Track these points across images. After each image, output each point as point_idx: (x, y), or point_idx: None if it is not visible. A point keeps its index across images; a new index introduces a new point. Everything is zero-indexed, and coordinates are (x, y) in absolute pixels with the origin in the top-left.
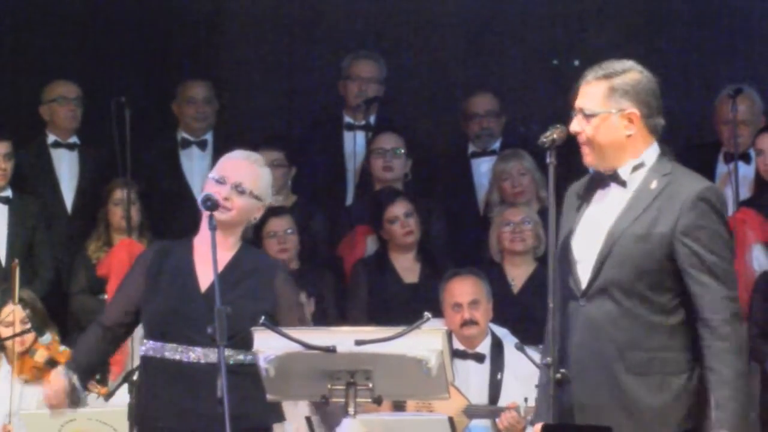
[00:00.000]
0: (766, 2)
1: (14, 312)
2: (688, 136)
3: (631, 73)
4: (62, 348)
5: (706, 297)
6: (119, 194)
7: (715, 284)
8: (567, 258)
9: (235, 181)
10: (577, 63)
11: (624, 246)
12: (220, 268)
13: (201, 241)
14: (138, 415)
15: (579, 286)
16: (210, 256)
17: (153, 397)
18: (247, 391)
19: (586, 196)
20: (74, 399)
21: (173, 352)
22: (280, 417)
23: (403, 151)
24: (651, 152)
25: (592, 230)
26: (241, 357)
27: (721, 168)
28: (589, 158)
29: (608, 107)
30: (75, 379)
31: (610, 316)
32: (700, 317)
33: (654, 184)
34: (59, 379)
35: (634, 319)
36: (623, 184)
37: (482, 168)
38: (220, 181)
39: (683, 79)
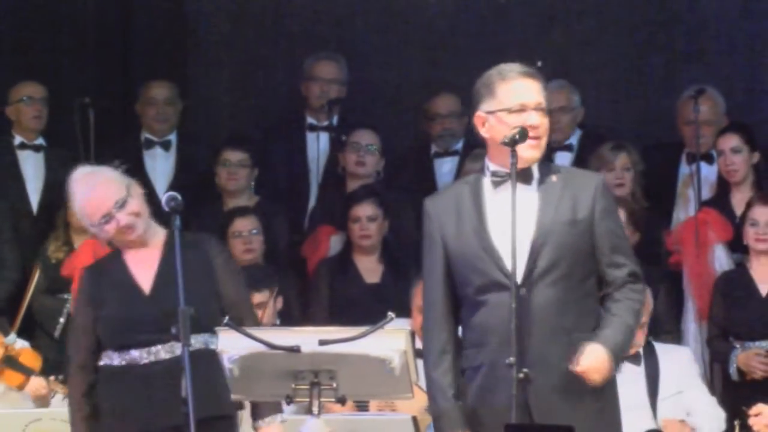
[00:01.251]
0: (729, 3)
1: None
2: (652, 137)
3: None
4: (18, 345)
5: (624, 270)
6: None
7: (630, 262)
8: (488, 252)
9: (114, 204)
10: (540, 64)
11: (558, 233)
12: (154, 266)
13: (127, 249)
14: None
15: (510, 276)
16: (143, 256)
17: (119, 403)
18: (206, 376)
19: (474, 198)
20: None
21: (145, 356)
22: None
23: (376, 148)
24: None
25: (510, 224)
26: (192, 341)
27: (684, 168)
28: (538, 153)
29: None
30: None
31: (554, 302)
32: (620, 284)
33: (554, 178)
34: None
35: (574, 303)
36: (530, 180)
37: (444, 168)
38: (107, 220)
39: (646, 80)
